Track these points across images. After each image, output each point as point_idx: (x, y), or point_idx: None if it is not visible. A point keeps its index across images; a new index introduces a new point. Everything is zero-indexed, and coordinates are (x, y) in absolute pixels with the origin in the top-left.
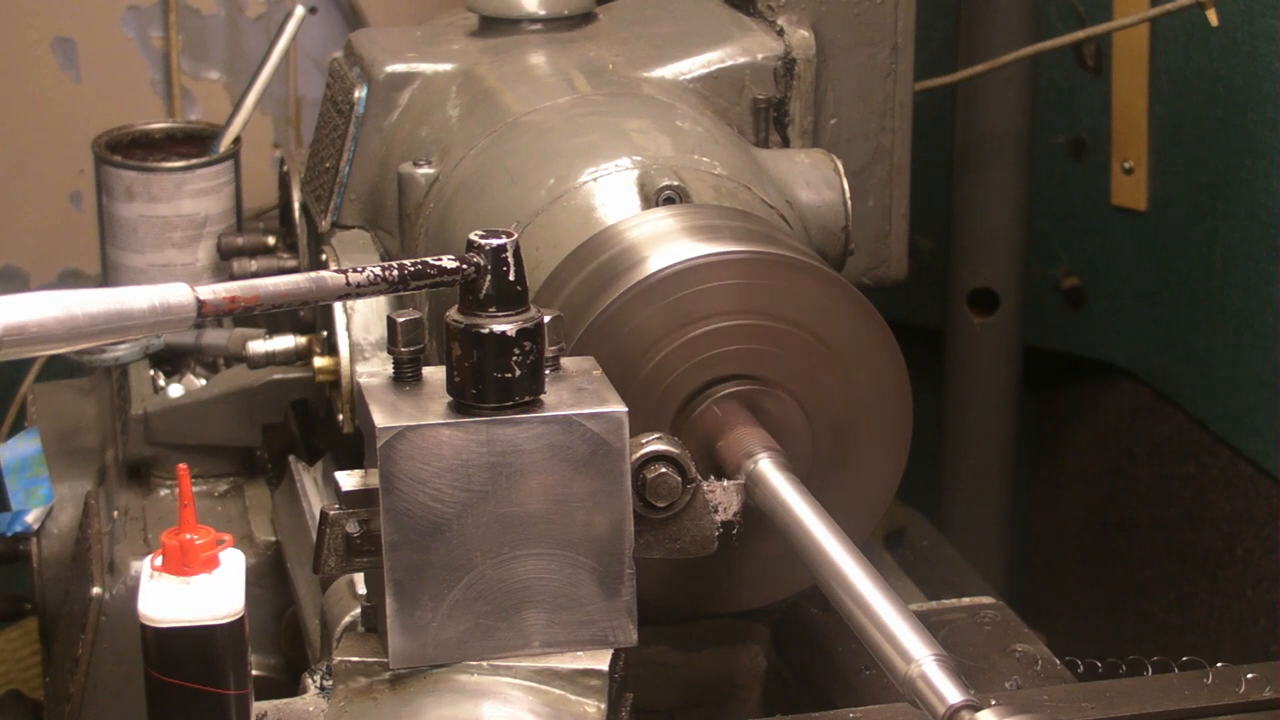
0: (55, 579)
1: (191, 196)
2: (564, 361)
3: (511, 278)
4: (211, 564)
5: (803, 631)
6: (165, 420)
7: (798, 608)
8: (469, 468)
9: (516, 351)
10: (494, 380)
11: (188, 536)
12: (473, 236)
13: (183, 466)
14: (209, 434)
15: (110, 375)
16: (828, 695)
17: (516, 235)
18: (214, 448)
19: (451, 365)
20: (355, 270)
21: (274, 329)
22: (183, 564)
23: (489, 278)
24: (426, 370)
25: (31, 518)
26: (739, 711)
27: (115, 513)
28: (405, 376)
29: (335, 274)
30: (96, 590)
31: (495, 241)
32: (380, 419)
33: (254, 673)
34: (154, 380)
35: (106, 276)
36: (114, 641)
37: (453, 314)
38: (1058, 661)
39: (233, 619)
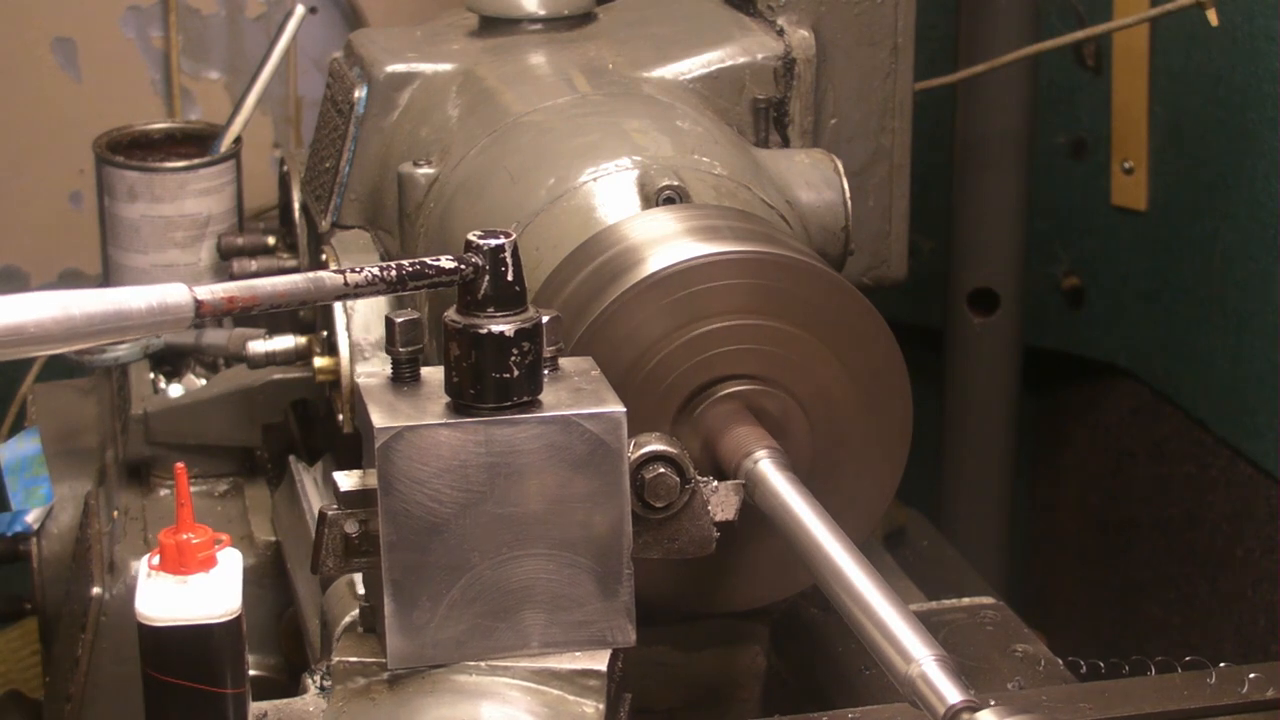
0: (55, 579)
1: (194, 196)
2: (562, 362)
3: (510, 278)
4: (209, 563)
5: (803, 631)
6: (165, 420)
7: (798, 608)
8: (467, 468)
9: (515, 352)
10: (492, 380)
11: (185, 536)
12: (471, 237)
13: (180, 466)
14: (209, 434)
15: (110, 375)
16: (828, 695)
17: (515, 235)
18: (214, 448)
19: (450, 365)
20: (354, 270)
21: (274, 329)
22: (180, 563)
23: (487, 278)
24: (425, 370)
25: (31, 518)
26: (739, 711)
27: (115, 513)
28: (404, 377)
29: (334, 274)
30: (96, 590)
31: (493, 242)
32: (379, 419)
33: (254, 673)
34: (154, 381)
35: (109, 277)
36: (114, 641)
37: (451, 314)
38: (1060, 662)
39: (230, 618)
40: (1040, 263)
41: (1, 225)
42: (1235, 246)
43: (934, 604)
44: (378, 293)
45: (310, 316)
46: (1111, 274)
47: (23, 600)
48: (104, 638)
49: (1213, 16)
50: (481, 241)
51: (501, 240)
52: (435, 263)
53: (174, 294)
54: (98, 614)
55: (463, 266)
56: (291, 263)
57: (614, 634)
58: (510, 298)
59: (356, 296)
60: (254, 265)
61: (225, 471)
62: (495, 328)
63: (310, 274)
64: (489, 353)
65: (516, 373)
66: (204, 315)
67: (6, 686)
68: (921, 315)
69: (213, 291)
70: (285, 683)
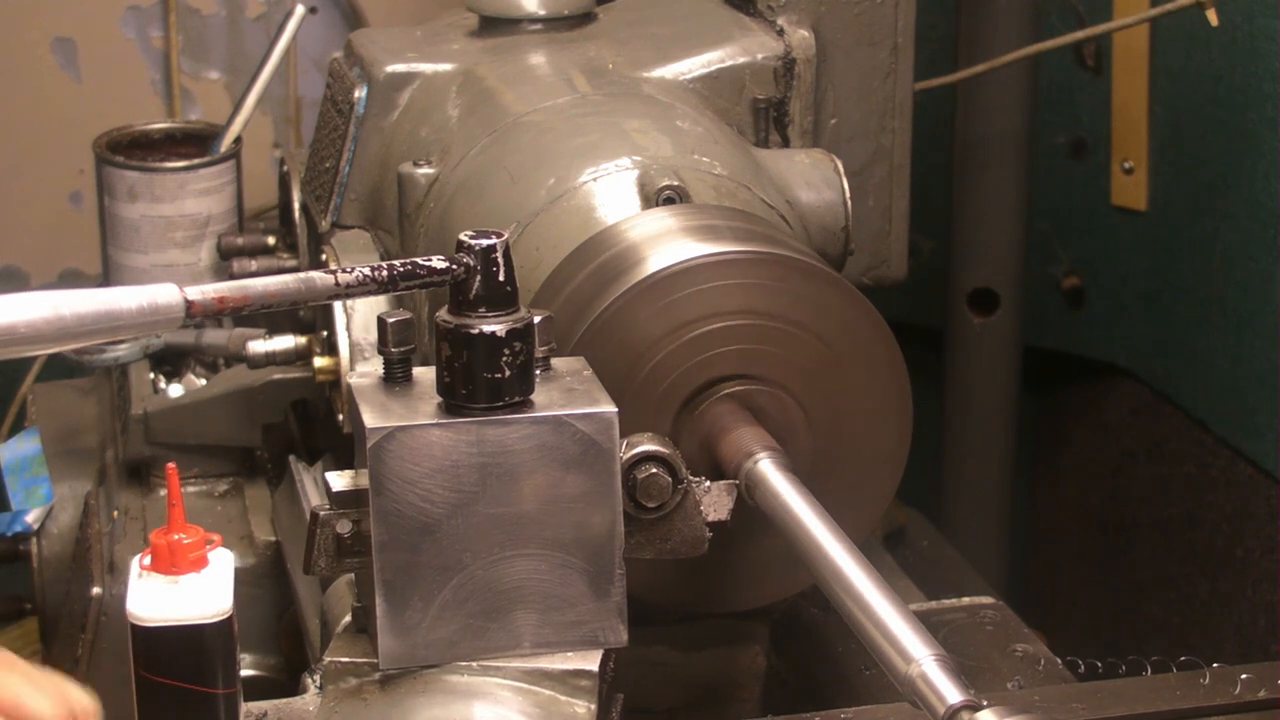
0: (55, 579)
1: (194, 196)
2: (554, 362)
3: (501, 278)
4: (200, 564)
5: (803, 631)
6: (165, 420)
7: (798, 608)
8: (459, 468)
9: (506, 352)
10: (484, 381)
11: (176, 536)
12: (462, 237)
13: (171, 466)
14: (209, 434)
15: (110, 375)
16: (828, 695)
17: (507, 236)
18: (214, 448)
19: (441, 366)
20: (345, 271)
21: (274, 329)
22: (171, 564)
23: (479, 278)
24: (417, 370)
25: (31, 518)
26: (739, 711)
27: (115, 513)
28: (395, 377)
29: (325, 274)
30: (96, 590)
31: (485, 242)
32: (370, 419)
33: (254, 673)
34: (154, 381)
35: (109, 277)
36: (114, 641)
37: (443, 314)
38: (1059, 661)
39: (221, 618)
40: (1040, 263)
41: (1, 225)
42: (1235, 246)
43: (934, 604)
44: (369, 293)
45: (310, 316)
46: (1111, 274)
47: (23, 600)
48: (104, 638)
49: (1213, 16)
50: (473, 241)
51: (493, 240)
52: (427, 263)
53: (164, 294)
54: (98, 614)
55: (454, 267)
56: (291, 263)
57: (606, 634)
58: (502, 298)
59: (348, 297)
60: (254, 265)
61: (225, 471)
62: (487, 328)
63: (302, 274)
64: (480, 353)
65: (508, 373)
66: (194, 315)
67: None
68: (921, 315)
69: (203, 292)
70: (285, 683)
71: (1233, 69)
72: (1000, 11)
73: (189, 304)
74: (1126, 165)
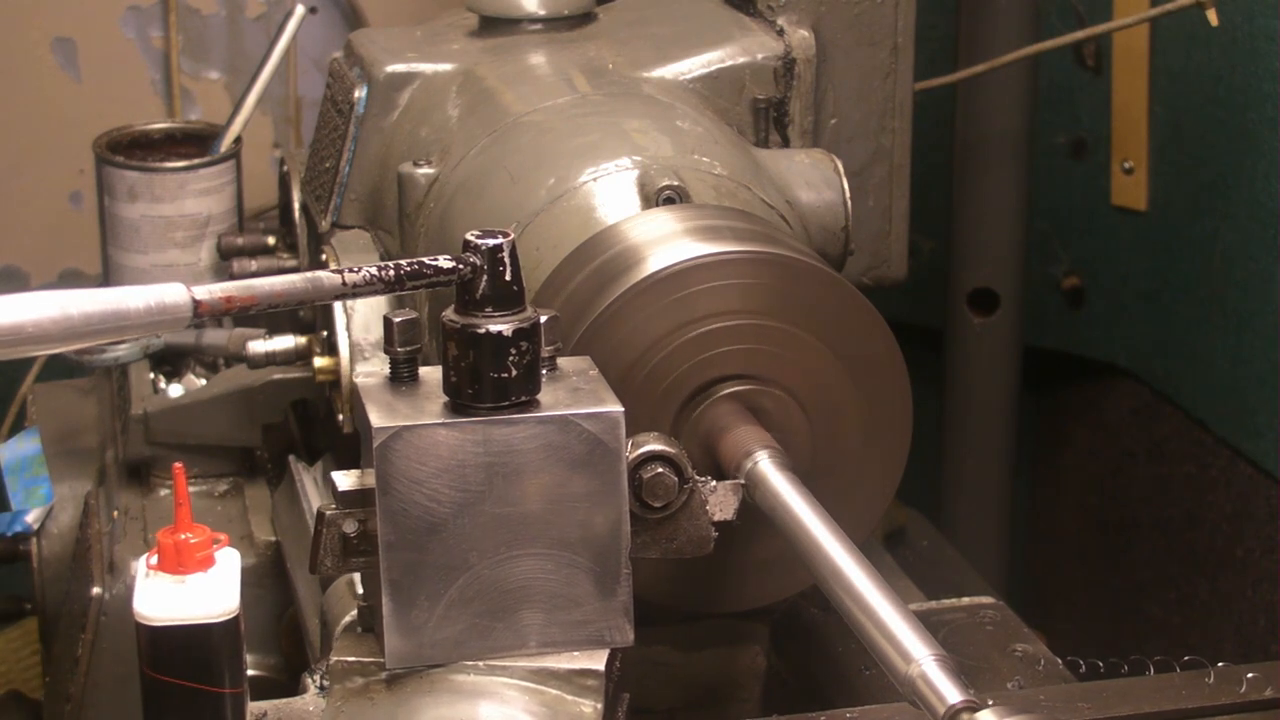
0: (55, 579)
1: (194, 196)
2: (560, 361)
3: (508, 278)
4: (207, 563)
5: (803, 631)
6: (165, 420)
7: (798, 608)
8: (465, 468)
9: (513, 351)
10: (490, 380)
11: (183, 536)
12: (469, 236)
13: (178, 465)
14: (209, 434)
15: (110, 375)
16: (828, 695)
17: (513, 235)
18: (214, 448)
19: (448, 365)
20: (351, 270)
21: (274, 329)
22: (178, 563)
23: (485, 278)
24: (423, 370)
25: (31, 518)
26: (739, 711)
27: (115, 513)
28: (402, 376)
29: (332, 274)
30: (96, 590)
31: (491, 241)
32: (377, 419)
33: (254, 673)
34: (154, 381)
35: (109, 277)
36: (114, 641)
37: (449, 314)
38: (1059, 661)
39: (228, 618)
40: (1040, 263)
41: (1, 225)
42: (1235, 246)
43: (934, 604)
44: (375, 292)
45: (310, 316)
46: (1111, 274)
47: (23, 600)
48: (104, 638)
49: (1213, 16)
50: (479, 241)
51: (499, 240)
52: (433, 262)
53: (172, 294)
54: (98, 614)
55: (461, 266)
56: (291, 263)
57: (612, 634)
58: (508, 297)
59: (354, 296)
60: (254, 265)
61: (225, 471)
62: (493, 327)
63: (308, 274)
64: (487, 352)
65: (514, 372)
66: (202, 315)
67: (6, 686)
68: (921, 315)
69: (210, 291)
70: (285, 683)
71: (1233, 69)
72: (1000, 11)
73: (197, 304)
74: (1126, 165)
